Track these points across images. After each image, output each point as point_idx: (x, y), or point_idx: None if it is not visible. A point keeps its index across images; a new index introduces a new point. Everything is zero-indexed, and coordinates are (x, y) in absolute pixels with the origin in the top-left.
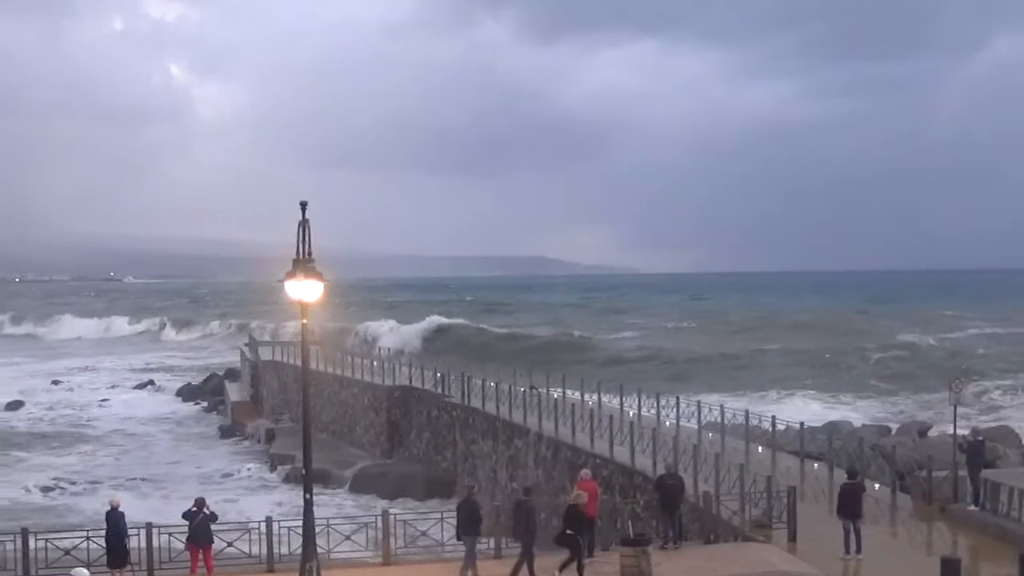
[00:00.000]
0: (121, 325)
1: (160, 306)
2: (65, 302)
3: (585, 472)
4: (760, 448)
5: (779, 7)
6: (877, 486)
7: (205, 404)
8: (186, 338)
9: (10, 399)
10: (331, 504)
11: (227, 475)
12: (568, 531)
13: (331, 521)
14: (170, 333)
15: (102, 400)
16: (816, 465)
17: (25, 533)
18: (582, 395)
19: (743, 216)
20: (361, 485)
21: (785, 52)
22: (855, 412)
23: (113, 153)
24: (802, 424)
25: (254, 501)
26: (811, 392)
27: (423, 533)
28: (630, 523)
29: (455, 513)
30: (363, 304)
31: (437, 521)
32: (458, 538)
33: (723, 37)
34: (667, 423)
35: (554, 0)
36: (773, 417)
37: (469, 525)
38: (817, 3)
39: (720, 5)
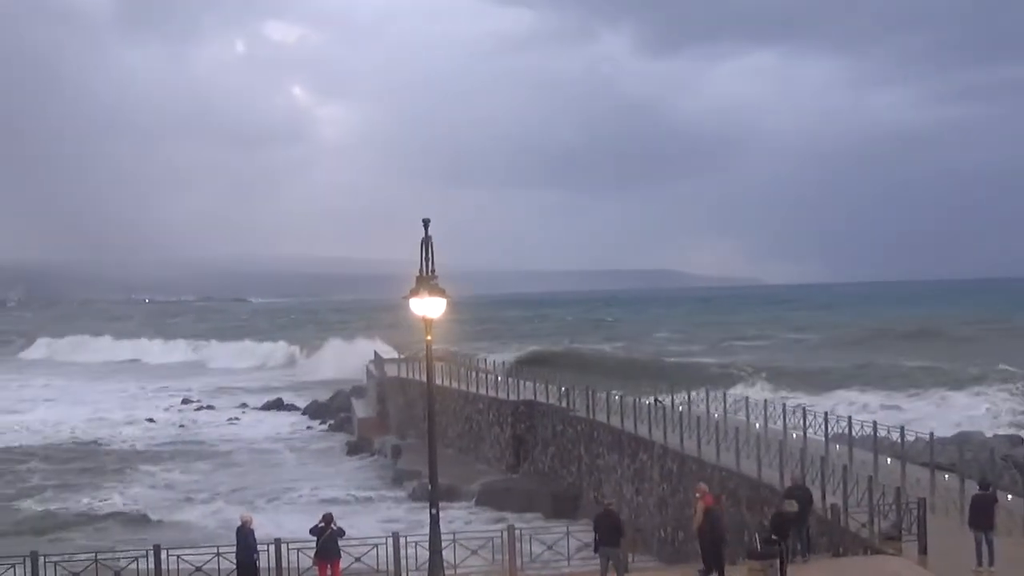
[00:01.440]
0: (252, 348)
1: (283, 323)
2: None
3: (703, 485)
4: (889, 460)
5: (903, 10)
6: (1010, 497)
7: (332, 422)
8: (311, 356)
9: (145, 415)
10: (457, 519)
11: (354, 491)
12: (773, 537)
13: (457, 535)
14: (295, 352)
15: (231, 418)
16: (947, 476)
17: (157, 549)
18: (707, 407)
19: (867, 225)
20: (487, 500)
21: (910, 57)
22: (985, 422)
23: (237, 174)
24: (931, 435)
25: (381, 516)
26: (939, 399)
27: (549, 547)
28: (757, 536)
29: (593, 526)
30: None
31: (563, 535)
32: (596, 551)
33: (845, 44)
34: (793, 435)
35: (673, 11)
36: (902, 428)
37: (609, 538)
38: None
39: (841, 11)
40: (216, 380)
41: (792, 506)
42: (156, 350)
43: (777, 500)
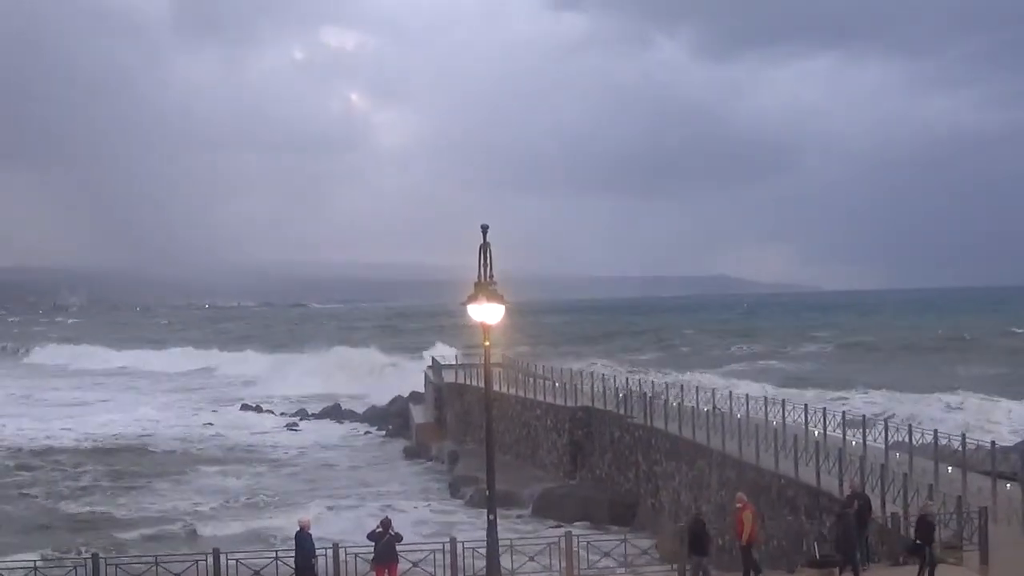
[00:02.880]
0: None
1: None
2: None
3: (742, 495)
4: (950, 468)
5: (964, 12)
6: None
7: (390, 427)
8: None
9: (204, 421)
10: (514, 525)
11: (411, 496)
12: (917, 541)
13: (514, 542)
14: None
15: (289, 424)
16: (1008, 486)
17: (216, 553)
18: (766, 414)
19: (927, 229)
20: (544, 506)
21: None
22: None
23: (296, 180)
24: (993, 443)
25: (438, 522)
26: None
27: (606, 554)
28: (816, 545)
29: (685, 534)
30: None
31: (620, 542)
32: (687, 557)
33: (904, 46)
34: (852, 442)
35: (730, 16)
36: (963, 435)
37: (698, 546)
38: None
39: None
40: (276, 387)
41: (932, 507)
42: (226, 359)
43: (837, 508)
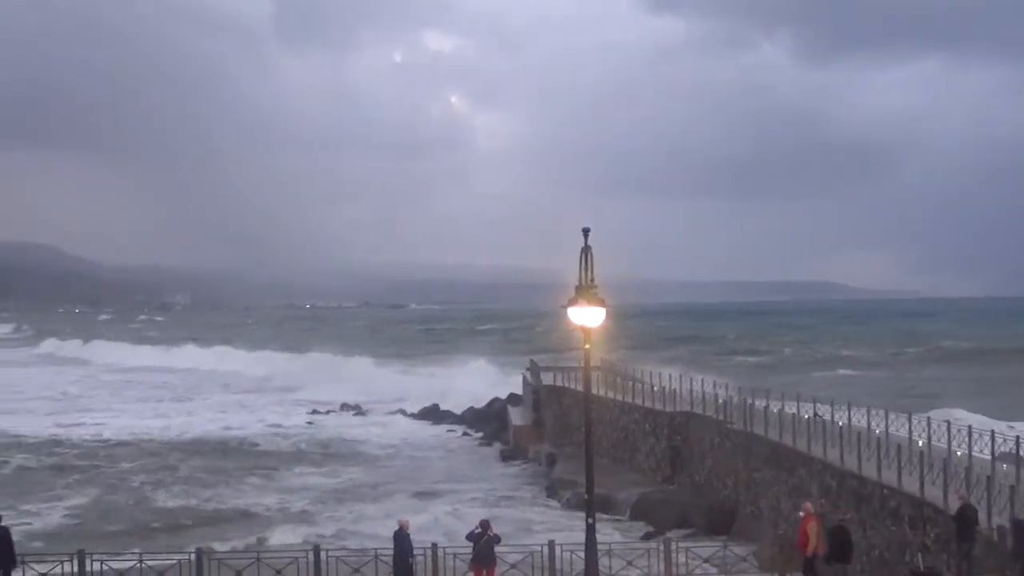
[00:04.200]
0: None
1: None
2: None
3: (809, 505)
4: None
5: None
6: None
7: (487, 429)
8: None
9: (303, 420)
10: (612, 529)
11: (508, 498)
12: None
13: (612, 546)
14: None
15: (388, 423)
16: None
17: (317, 550)
18: (868, 422)
19: None
20: (642, 511)
21: None
22: None
23: (395, 183)
24: None
25: (536, 524)
26: None
27: (705, 560)
28: (920, 555)
29: (828, 539)
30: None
31: (719, 548)
32: (828, 563)
33: (1011, 49)
34: (958, 452)
35: (831, 19)
36: None
37: (840, 553)
38: None
39: (1007, 16)
40: (375, 386)
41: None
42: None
43: (943, 520)
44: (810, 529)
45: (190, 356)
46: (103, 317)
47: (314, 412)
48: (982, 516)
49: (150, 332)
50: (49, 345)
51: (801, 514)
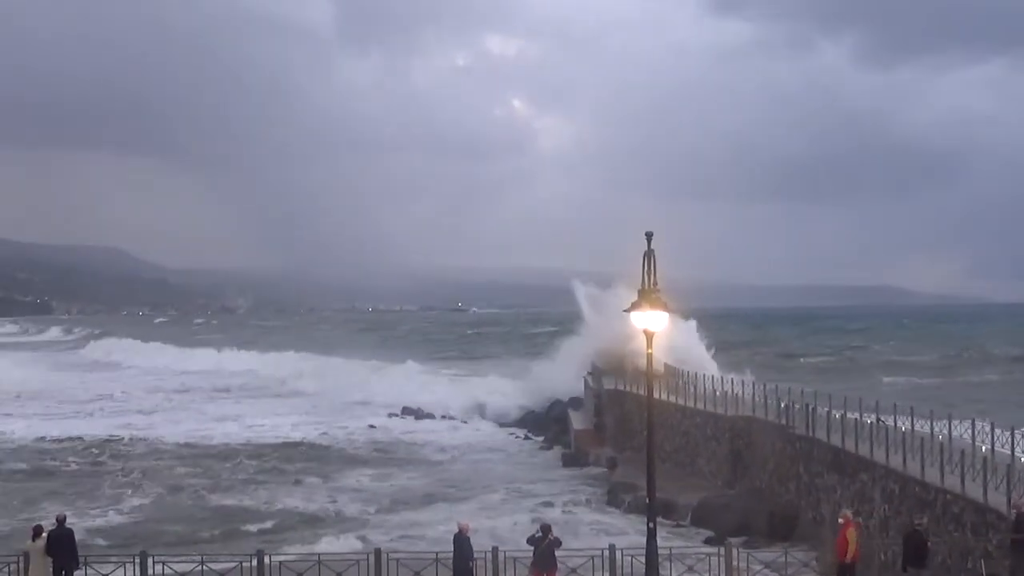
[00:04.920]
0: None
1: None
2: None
3: (847, 512)
4: None
5: None
6: None
7: (548, 433)
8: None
9: (366, 423)
10: (673, 534)
11: (569, 502)
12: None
13: (674, 551)
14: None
15: (450, 427)
16: None
17: (378, 553)
18: (932, 428)
19: None
20: (703, 516)
21: None
22: None
23: (457, 186)
24: None
25: (597, 529)
26: None
27: (766, 566)
28: (982, 562)
29: (902, 545)
30: None
31: (781, 553)
32: (904, 570)
33: None
34: (1022, 459)
35: (895, 22)
36: None
37: (916, 558)
38: None
39: None
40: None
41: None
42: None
43: (1005, 526)
44: (850, 536)
45: (243, 360)
46: (159, 320)
47: (372, 416)
48: None
49: (207, 335)
50: (94, 349)
51: (841, 520)
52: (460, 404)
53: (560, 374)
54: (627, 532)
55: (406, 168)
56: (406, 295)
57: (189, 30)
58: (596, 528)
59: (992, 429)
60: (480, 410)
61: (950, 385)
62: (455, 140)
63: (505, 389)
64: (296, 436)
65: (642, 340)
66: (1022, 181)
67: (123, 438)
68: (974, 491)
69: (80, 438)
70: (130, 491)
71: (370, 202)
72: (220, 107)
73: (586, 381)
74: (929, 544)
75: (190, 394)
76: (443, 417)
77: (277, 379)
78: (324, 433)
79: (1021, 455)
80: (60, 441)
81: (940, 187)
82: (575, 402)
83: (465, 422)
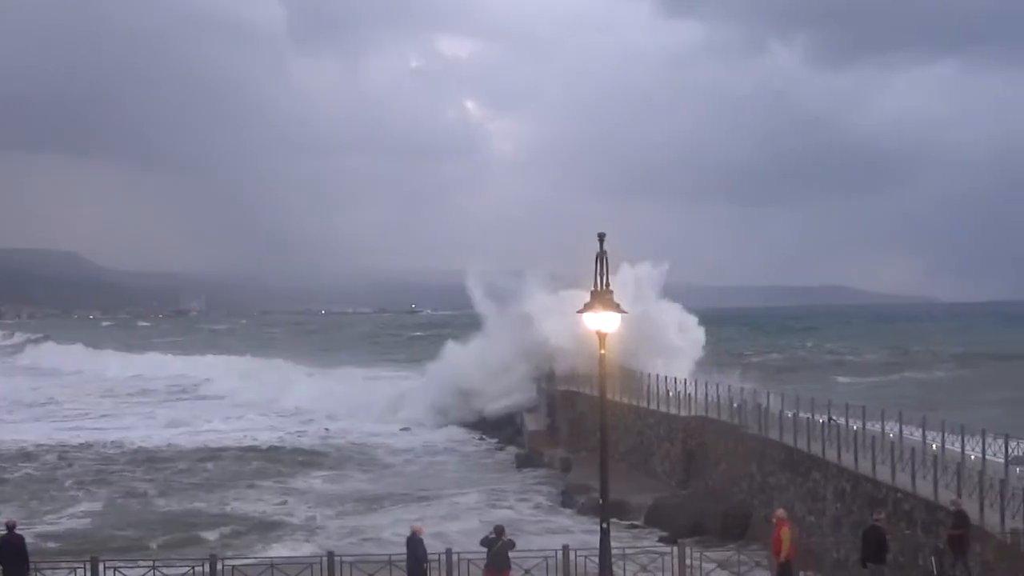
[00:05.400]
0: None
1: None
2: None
3: (782, 511)
4: None
5: None
6: None
7: (501, 435)
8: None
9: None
10: (626, 534)
11: (523, 503)
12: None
13: (627, 551)
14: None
15: (403, 428)
16: None
17: (331, 556)
18: (882, 427)
19: None
20: (656, 516)
21: None
22: None
23: (411, 188)
24: None
25: (550, 530)
26: None
27: (719, 565)
28: (933, 559)
29: (860, 541)
30: None
31: (734, 552)
32: (863, 565)
33: None
34: (972, 456)
35: (847, 23)
36: None
37: (875, 554)
38: None
39: None
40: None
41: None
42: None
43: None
44: (783, 535)
45: (178, 364)
46: (106, 323)
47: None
48: (994, 519)
49: (149, 339)
50: (32, 354)
51: (774, 520)
52: (381, 408)
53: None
54: (581, 533)
55: (360, 169)
56: (361, 297)
57: (141, 31)
58: (550, 529)
59: (943, 428)
60: (394, 410)
61: (900, 383)
62: (409, 141)
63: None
64: (244, 441)
65: (592, 341)
66: (973, 182)
67: (70, 443)
68: (925, 489)
69: (26, 443)
70: (81, 494)
71: (325, 204)
72: (173, 109)
73: (538, 383)
74: (888, 539)
75: (133, 398)
76: (391, 421)
77: (212, 382)
78: (281, 436)
79: (971, 453)
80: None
81: (892, 188)
82: (529, 404)
83: (422, 425)
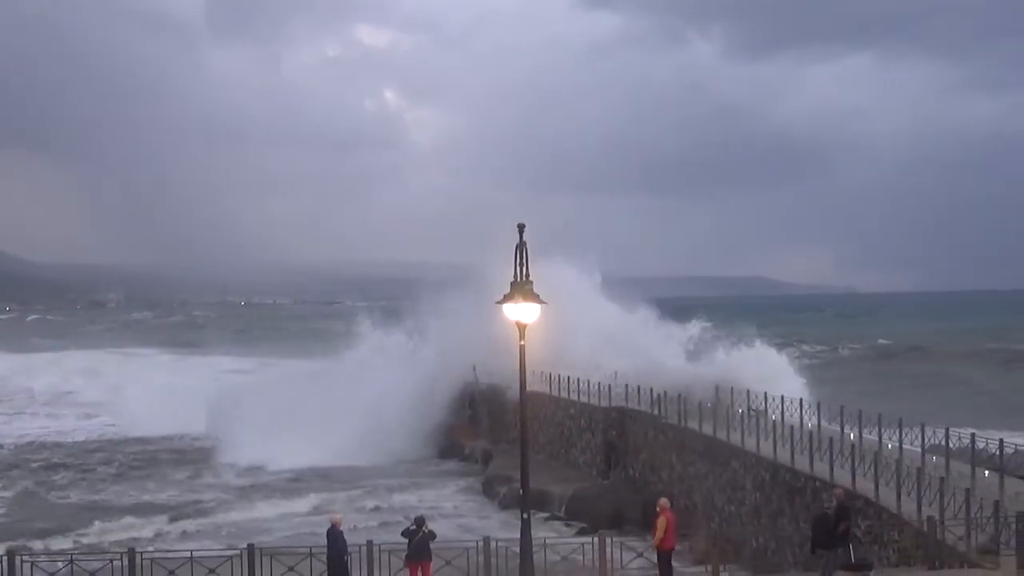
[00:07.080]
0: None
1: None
2: None
3: (664, 500)
4: (987, 472)
5: (1010, 14)
6: None
7: None
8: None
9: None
10: (547, 524)
11: (444, 494)
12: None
13: (548, 541)
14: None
15: None
16: None
17: (251, 549)
18: (801, 417)
19: (966, 233)
20: (577, 506)
21: (1012, 61)
22: None
23: (330, 178)
24: None
25: (471, 520)
26: None
27: (640, 555)
28: (851, 547)
29: (811, 528)
30: None
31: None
32: (812, 552)
33: (946, 47)
34: (888, 446)
35: (763, 15)
36: (1001, 440)
37: (825, 540)
38: None
39: (942, 13)
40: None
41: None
42: None
43: (874, 511)
44: (659, 524)
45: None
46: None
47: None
48: (911, 508)
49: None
50: None
51: (658, 509)
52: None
53: None
54: (502, 523)
55: (279, 160)
56: (281, 288)
57: (56, 20)
58: (471, 520)
59: (860, 417)
60: None
61: (820, 372)
62: (327, 132)
63: None
64: (138, 433)
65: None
66: (890, 173)
67: None
68: (843, 477)
69: None
70: None
71: (244, 195)
72: (88, 98)
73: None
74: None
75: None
76: None
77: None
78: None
79: (888, 443)
80: None
81: (810, 180)
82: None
83: None
